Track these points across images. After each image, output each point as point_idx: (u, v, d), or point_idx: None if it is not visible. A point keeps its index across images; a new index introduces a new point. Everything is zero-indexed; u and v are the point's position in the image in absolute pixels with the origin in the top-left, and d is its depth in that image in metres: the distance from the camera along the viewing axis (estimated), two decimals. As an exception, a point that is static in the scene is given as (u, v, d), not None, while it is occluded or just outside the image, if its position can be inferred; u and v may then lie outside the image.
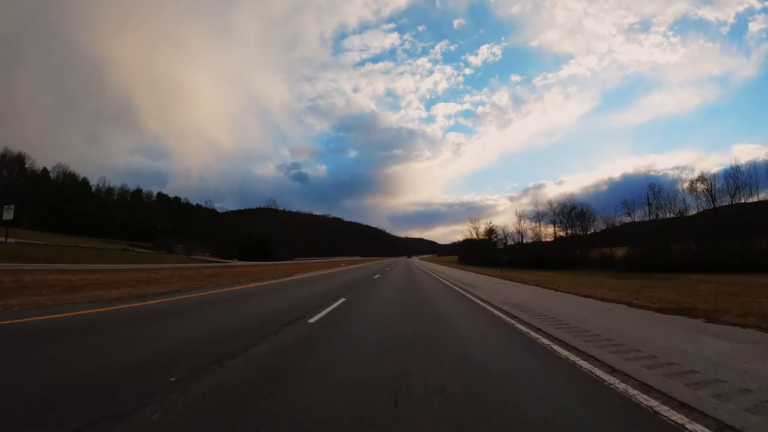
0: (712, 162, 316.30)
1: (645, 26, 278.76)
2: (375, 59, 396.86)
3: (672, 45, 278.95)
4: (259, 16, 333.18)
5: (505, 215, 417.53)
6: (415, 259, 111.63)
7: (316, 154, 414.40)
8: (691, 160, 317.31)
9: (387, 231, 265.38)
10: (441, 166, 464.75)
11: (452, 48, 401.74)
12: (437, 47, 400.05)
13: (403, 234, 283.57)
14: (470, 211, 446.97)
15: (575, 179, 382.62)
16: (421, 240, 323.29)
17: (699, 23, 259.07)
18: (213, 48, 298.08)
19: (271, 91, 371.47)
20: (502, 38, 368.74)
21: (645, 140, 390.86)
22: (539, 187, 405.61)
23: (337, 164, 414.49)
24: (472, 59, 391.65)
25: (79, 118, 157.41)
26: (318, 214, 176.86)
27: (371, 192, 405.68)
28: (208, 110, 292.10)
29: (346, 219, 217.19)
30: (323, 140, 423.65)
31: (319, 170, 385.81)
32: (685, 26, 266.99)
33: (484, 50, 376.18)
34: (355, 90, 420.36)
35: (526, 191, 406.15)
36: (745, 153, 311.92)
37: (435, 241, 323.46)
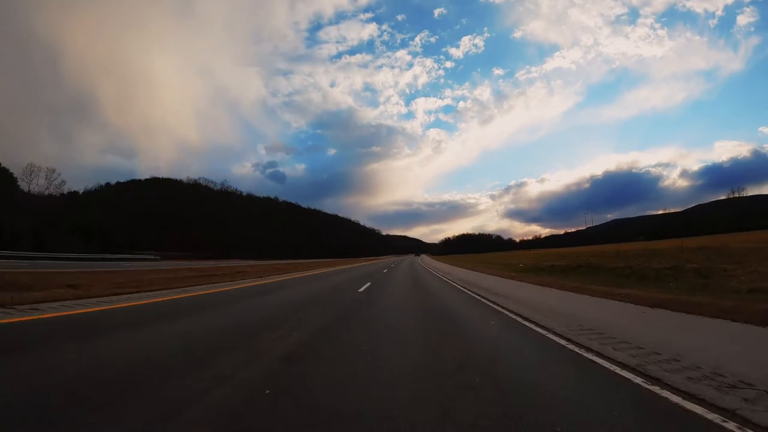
0: (694, 158, 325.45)
1: (632, 17, 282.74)
2: (352, 51, 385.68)
3: (659, 38, 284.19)
4: (227, 2, 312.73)
5: (486, 214, 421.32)
6: (425, 259, 70.27)
7: (292, 152, 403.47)
8: (673, 156, 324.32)
9: (362, 224, 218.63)
10: (421, 164, 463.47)
11: (433, 40, 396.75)
12: (417, 39, 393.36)
13: (384, 231, 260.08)
14: (451, 211, 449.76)
15: (557, 176, 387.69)
16: (404, 237, 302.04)
17: (687, 15, 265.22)
18: (178, 35, 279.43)
19: (245, 85, 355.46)
20: (485, 29, 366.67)
21: (629, 136, 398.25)
22: (521, 185, 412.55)
23: (315, 163, 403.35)
24: (453, 51, 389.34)
25: (33, 113, 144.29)
26: (259, 195, 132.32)
27: (350, 191, 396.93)
28: (175, 104, 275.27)
29: (302, 205, 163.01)
30: (300, 138, 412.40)
31: (297, 169, 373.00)
32: (672, 18, 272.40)
33: (465, 42, 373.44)
34: (332, 84, 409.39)
35: (507, 189, 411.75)
36: (726, 150, 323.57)
37: (419, 239, 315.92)
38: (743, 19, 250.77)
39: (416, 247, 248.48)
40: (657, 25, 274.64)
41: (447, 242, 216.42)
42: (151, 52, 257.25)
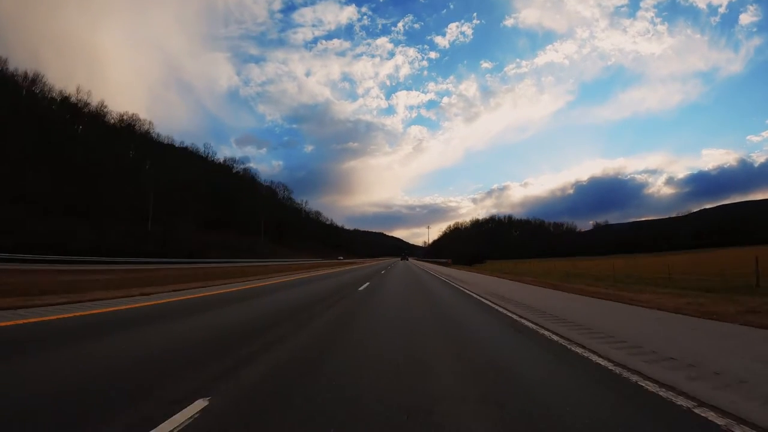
0: (682, 165, 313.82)
1: (632, 9, 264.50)
2: (329, 36, 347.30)
3: (658, 34, 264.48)
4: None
5: (467, 218, 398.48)
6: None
7: (265, 146, 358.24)
8: (661, 163, 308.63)
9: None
10: (402, 163, 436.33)
11: (417, 26, 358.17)
12: (399, 25, 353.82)
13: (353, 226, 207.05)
14: (432, 214, 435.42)
15: (541, 181, 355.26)
16: (380, 234, 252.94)
17: (689, 10, 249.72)
18: (134, 11, 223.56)
19: (214, 72, 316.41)
20: (474, 14, 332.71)
21: (619, 140, 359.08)
22: (504, 188, 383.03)
23: (290, 159, 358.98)
24: (438, 40, 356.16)
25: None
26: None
27: (327, 190, 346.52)
28: (127, 85, 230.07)
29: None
30: (275, 132, 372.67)
31: (273, 165, 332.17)
32: (674, 13, 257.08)
33: (453, 29, 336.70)
34: (308, 74, 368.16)
35: (490, 193, 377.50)
36: (714, 158, 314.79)
37: (402, 239, 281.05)
38: (746, 18, 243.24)
39: (397, 248, 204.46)
40: (657, 20, 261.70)
41: (452, 233, 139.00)
42: (103, 26, 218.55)
